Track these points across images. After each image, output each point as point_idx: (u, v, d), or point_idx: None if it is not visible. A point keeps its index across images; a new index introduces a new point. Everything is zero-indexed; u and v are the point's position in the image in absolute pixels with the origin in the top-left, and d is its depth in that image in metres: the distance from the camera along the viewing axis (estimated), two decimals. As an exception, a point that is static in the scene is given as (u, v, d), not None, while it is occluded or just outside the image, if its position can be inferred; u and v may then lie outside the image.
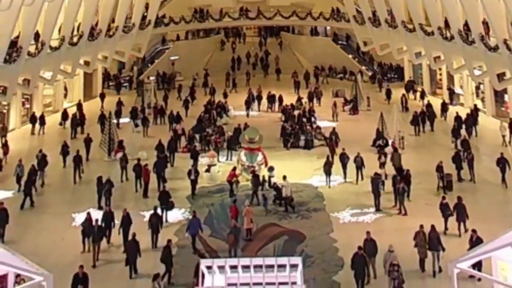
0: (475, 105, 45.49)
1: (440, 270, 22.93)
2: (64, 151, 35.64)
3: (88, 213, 25.83)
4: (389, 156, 34.41)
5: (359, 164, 32.98)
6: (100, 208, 29.09)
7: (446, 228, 25.98)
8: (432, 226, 23.73)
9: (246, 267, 19.00)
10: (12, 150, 37.76)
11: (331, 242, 25.71)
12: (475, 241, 22.43)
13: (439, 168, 30.75)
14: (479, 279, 21.09)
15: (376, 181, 29.13)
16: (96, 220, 25.05)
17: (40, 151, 34.35)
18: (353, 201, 29.84)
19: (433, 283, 22.64)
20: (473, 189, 29.76)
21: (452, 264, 19.26)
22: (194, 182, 31.14)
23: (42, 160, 33.26)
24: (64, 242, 25.52)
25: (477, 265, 20.78)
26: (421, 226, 23.69)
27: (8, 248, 20.52)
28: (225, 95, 51.71)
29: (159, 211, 26.98)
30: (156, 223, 25.79)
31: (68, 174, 34.17)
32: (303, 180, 33.02)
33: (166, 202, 28.51)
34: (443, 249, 23.04)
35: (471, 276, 21.15)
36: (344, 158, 33.18)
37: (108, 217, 25.74)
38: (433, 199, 28.75)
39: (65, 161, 35.35)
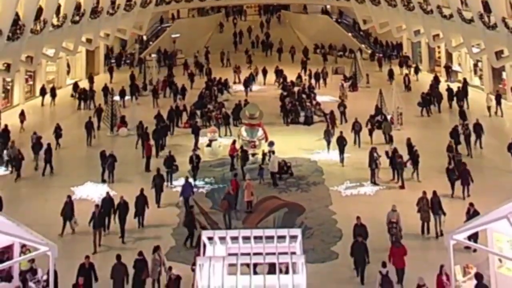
0: (465, 79, 46.10)
1: (442, 233, 23.49)
2: (57, 133, 34.57)
3: (69, 196, 25.13)
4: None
5: (358, 128, 34.18)
6: (103, 181, 29.54)
7: (452, 192, 26.99)
8: (434, 192, 24.46)
9: (246, 238, 19.10)
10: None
11: (330, 215, 25.91)
12: (472, 214, 22.62)
13: (450, 148, 30.39)
14: (475, 250, 21.26)
15: (373, 155, 29.24)
16: (97, 206, 23.99)
17: (35, 133, 33.71)
18: (351, 175, 29.93)
19: (433, 245, 23.16)
20: (470, 163, 29.78)
21: (448, 235, 19.42)
22: (195, 169, 29.84)
23: (37, 144, 32.28)
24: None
25: (473, 237, 20.99)
26: (424, 192, 24.49)
27: (14, 219, 20.67)
28: (236, 69, 52.69)
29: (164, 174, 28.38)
30: (159, 183, 27.06)
31: (65, 152, 34.36)
32: (302, 155, 33.22)
33: (171, 166, 29.51)
34: (444, 214, 23.86)
35: (467, 247, 21.28)
36: (341, 142, 31.83)
37: (108, 204, 24.39)
38: (432, 173, 28.87)
39: (58, 143, 34.33)
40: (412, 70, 52.82)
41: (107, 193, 25.24)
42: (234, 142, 32.49)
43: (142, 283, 19.82)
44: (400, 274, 20.24)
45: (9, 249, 19.85)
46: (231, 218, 25.06)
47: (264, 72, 51.70)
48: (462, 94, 42.35)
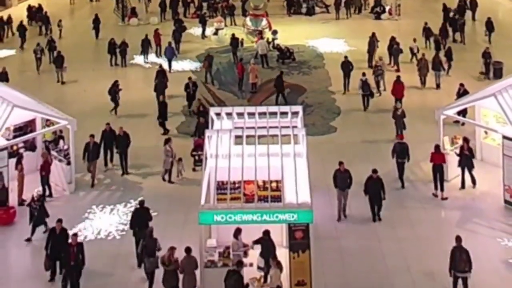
0: None
1: (439, 86, 26.40)
2: (50, 46, 31.03)
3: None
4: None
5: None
6: (116, 64, 30.11)
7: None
8: (436, 53, 27.57)
9: (251, 114, 19.28)
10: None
11: (329, 94, 26.15)
12: (462, 93, 22.86)
13: (486, 54, 28.07)
14: (463, 124, 21.67)
15: (373, 41, 29.34)
16: (92, 136, 19.70)
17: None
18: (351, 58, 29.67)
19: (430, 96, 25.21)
20: (462, 49, 29.90)
21: (439, 111, 19.76)
22: (191, 97, 25.03)
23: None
24: (86, 93, 25.93)
25: (462, 113, 21.30)
26: (423, 55, 27.15)
27: (35, 97, 20.97)
28: None
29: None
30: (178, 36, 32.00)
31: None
32: (304, 42, 33.19)
33: (180, 27, 33.09)
34: (444, 69, 26.79)
35: (456, 121, 21.70)
36: (347, 66, 26.59)
37: (109, 136, 20.31)
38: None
39: (53, 54, 30.32)
40: None
41: (107, 124, 20.53)
42: (260, 32, 32.45)
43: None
44: (398, 101, 23.43)
45: (31, 123, 20.28)
46: (214, 79, 27.60)
47: None
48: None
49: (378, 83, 25.95)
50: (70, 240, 14.52)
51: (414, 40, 30.22)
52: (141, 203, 16.27)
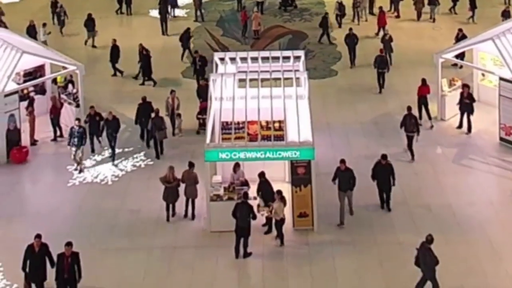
0: None
1: (434, 20, 28.03)
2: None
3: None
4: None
5: None
6: (121, 13, 29.95)
7: None
8: None
9: (254, 59, 19.24)
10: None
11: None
12: (461, 37, 22.79)
13: (505, 13, 26.71)
14: (461, 67, 21.71)
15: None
16: (78, 120, 17.58)
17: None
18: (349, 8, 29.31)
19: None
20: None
21: (437, 55, 19.75)
22: (198, 72, 22.43)
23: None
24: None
25: (460, 56, 21.27)
26: None
27: (43, 44, 20.97)
28: None
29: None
30: None
31: None
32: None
33: None
34: (438, 3, 28.23)
35: (454, 65, 21.70)
36: (352, 40, 23.96)
37: (94, 121, 17.99)
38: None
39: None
40: None
41: (92, 107, 18.25)
42: None
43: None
44: (383, 29, 25.81)
45: (41, 68, 20.34)
46: (203, 13, 28.91)
47: None
48: None
49: (358, 14, 28.05)
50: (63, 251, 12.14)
51: None
52: (143, 98, 18.62)
